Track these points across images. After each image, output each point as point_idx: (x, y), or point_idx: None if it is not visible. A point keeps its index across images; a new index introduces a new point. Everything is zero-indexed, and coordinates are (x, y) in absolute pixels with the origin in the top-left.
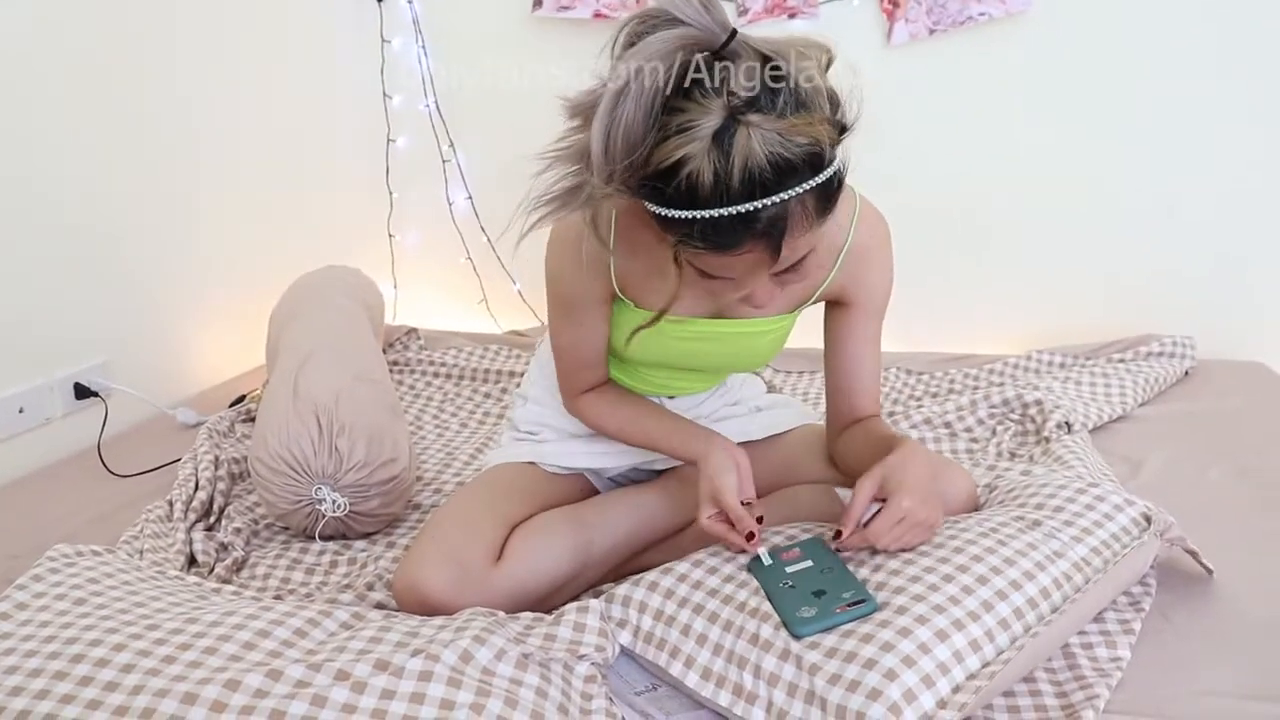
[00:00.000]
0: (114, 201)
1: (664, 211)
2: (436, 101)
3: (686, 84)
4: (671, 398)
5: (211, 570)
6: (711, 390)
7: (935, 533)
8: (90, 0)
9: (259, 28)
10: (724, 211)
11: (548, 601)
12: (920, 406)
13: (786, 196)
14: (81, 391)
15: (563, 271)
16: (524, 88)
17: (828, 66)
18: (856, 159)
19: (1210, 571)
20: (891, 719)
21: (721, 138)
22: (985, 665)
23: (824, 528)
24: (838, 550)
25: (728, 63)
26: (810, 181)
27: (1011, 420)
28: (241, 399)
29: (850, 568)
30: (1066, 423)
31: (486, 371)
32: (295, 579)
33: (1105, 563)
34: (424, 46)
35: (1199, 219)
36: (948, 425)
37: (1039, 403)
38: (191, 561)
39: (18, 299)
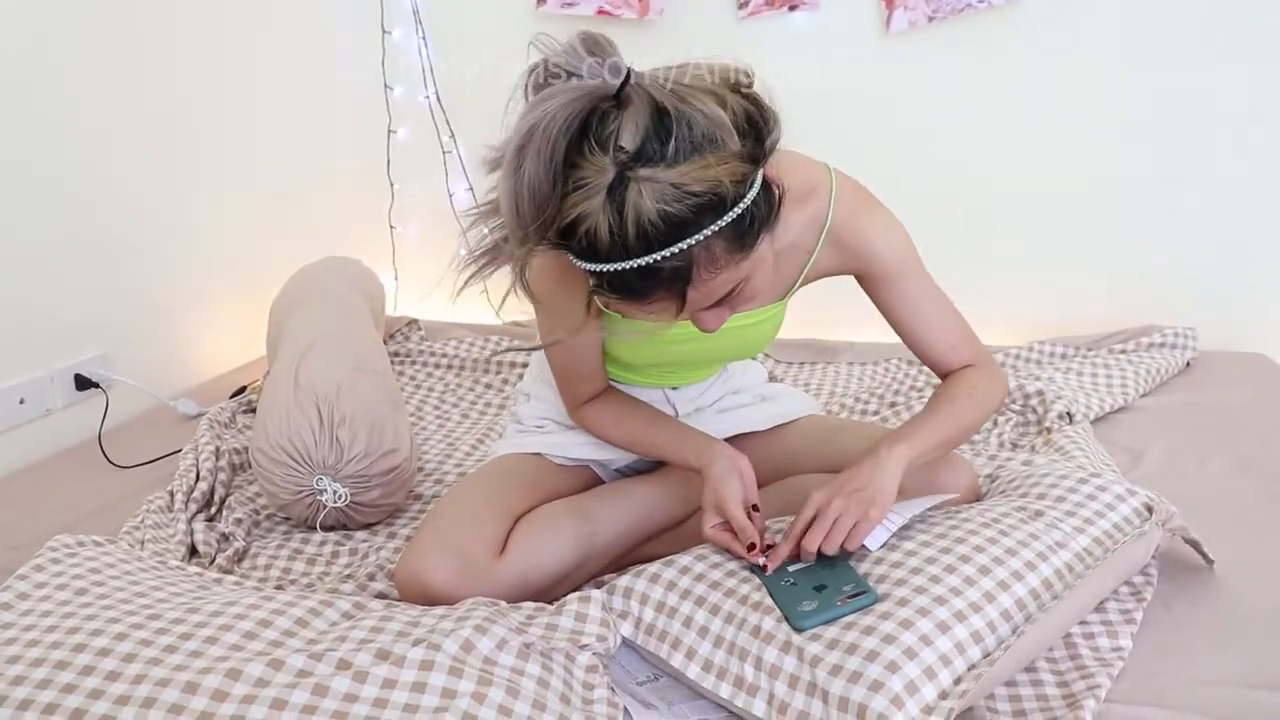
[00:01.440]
0: (115, 193)
1: (576, 262)
2: (437, 92)
3: (585, 137)
4: (675, 388)
5: (213, 560)
6: (713, 379)
7: (875, 513)
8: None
9: (260, 19)
10: (622, 266)
11: (550, 592)
12: (922, 397)
13: (684, 247)
14: (82, 382)
15: (547, 293)
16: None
17: (747, 88)
18: (855, 145)
19: (1211, 562)
20: (894, 710)
21: (613, 194)
22: (987, 656)
23: None
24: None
25: (621, 112)
26: (711, 227)
27: (1013, 411)
28: (242, 390)
29: (852, 561)
30: (1068, 413)
31: (488, 362)
32: (296, 569)
33: (1107, 553)
34: (424, 37)
35: (1201, 210)
36: None
37: (1040, 393)
38: (193, 552)
39: (18, 289)
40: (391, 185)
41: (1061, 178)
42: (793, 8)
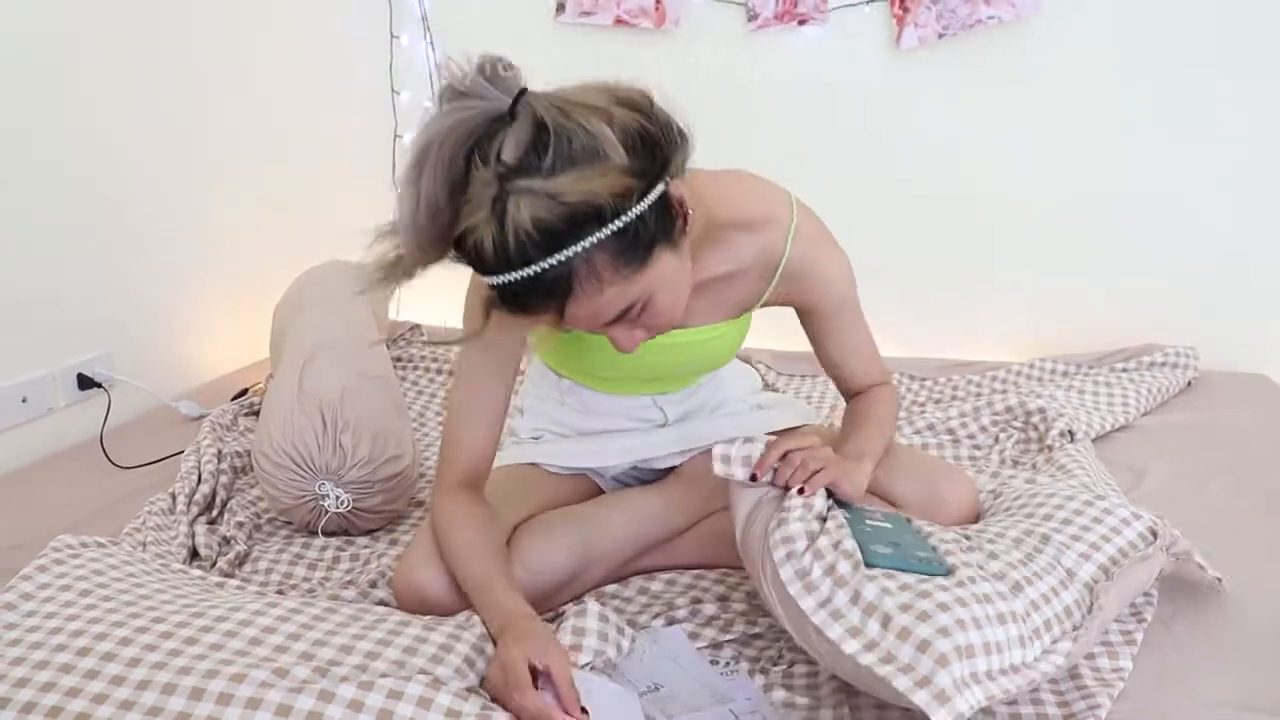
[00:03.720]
0: (120, 193)
1: (474, 274)
2: None
3: (474, 153)
4: (663, 393)
5: (214, 564)
6: (697, 384)
7: (845, 485)
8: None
9: (269, 22)
10: (506, 278)
11: (549, 601)
12: (923, 412)
13: (563, 258)
14: (85, 382)
15: (470, 323)
16: (534, 81)
17: (645, 107)
18: (861, 158)
19: (1220, 580)
20: (954, 659)
21: (495, 207)
22: (1024, 664)
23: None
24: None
25: (507, 129)
26: (589, 239)
27: (1014, 428)
28: (244, 392)
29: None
30: (1069, 431)
31: None
32: (297, 574)
33: (1112, 580)
34: (432, 42)
35: (1203, 230)
36: (950, 432)
37: (1042, 411)
38: (194, 555)
39: (23, 288)
40: (397, 190)
41: (1065, 195)
42: (802, 21)
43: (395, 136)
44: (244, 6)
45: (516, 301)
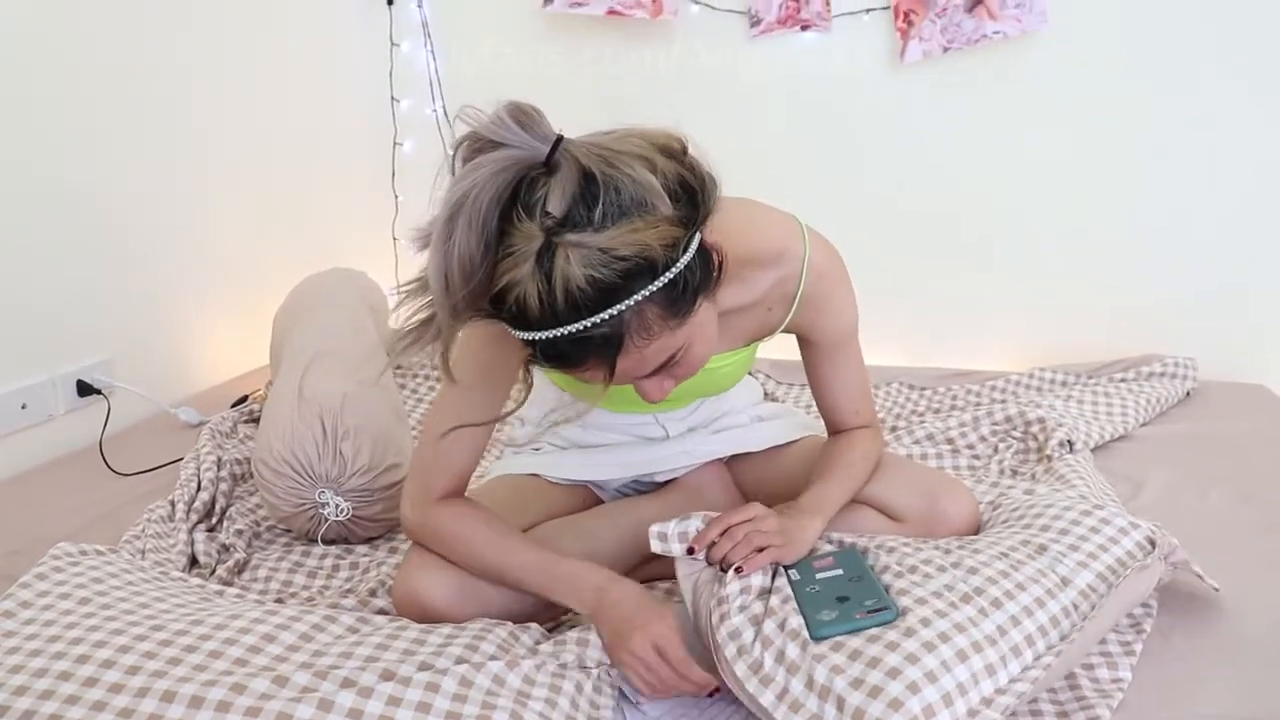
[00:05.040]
0: (120, 199)
1: (510, 331)
2: (444, 105)
3: (514, 205)
4: (665, 411)
5: (213, 572)
6: (698, 401)
7: (784, 555)
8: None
9: (268, 28)
10: (554, 333)
11: (550, 610)
12: (922, 422)
13: (614, 313)
14: (84, 389)
15: (467, 375)
16: (534, 92)
17: (681, 153)
18: (861, 166)
19: (1216, 590)
20: None
21: (542, 261)
22: (997, 691)
23: (858, 539)
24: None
25: (549, 179)
26: (642, 292)
27: (1014, 438)
28: (244, 399)
29: (877, 573)
30: (1068, 441)
31: None
32: (297, 582)
33: (1110, 589)
34: (432, 50)
35: (1203, 241)
36: (950, 441)
37: (1041, 420)
38: (193, 562)
39: (22, 293)
40: (396, 197)
41: (1066, 208)
42: (804, 28)
43: (395, 144)
44: (243, 15)
45: (561, 358)
